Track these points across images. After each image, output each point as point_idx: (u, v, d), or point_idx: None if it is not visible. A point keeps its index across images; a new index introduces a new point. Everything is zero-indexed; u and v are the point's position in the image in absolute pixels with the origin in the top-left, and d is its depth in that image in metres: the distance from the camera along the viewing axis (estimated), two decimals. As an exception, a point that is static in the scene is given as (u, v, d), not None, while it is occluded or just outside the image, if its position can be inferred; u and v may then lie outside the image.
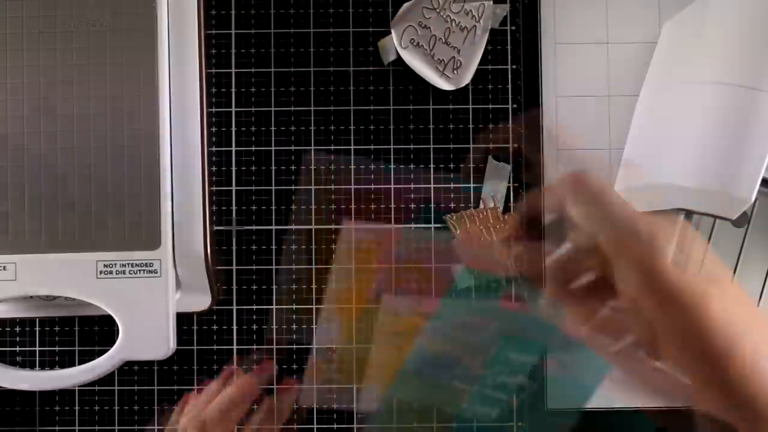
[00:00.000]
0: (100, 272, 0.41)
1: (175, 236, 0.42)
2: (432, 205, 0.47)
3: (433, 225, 0.47)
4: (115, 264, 0.41)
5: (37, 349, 0.47)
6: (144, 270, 0.41)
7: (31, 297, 0.44)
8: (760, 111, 0.36)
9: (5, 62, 0.41)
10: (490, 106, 0.48)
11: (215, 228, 0.47)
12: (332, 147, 0.47)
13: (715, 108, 0.38)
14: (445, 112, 0.48)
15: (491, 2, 0.47)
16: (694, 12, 0.43)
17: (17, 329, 0.47)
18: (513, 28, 0.48)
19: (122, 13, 0.41)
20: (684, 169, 0.38)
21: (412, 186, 0.47)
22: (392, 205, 0.47)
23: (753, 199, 0.36)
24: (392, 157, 0.47)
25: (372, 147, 0.47)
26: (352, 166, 0.47)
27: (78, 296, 0.41)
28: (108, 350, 0.41)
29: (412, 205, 0.47)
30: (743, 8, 0.38)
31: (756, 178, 0.35)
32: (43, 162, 0.41)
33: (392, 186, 0.47)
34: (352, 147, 0.47)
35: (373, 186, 0.47)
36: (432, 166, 0.47)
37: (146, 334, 0.41)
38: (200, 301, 0.45)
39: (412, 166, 0.47)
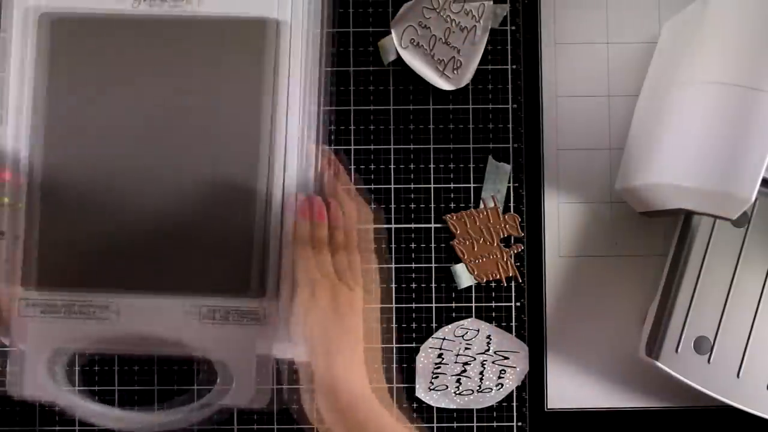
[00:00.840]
0: (203, 317, 0.40)
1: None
2: (432, 205, 0.47)
3: (433, 225, 0.47)
4: (219, 310, 0.41)
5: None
6: (248, 317, 0.41)
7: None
8: (760, 111, 0.36)
9: (110, 97, 0.41)
10: (490, 106, 0.48)
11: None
12: (332, 147, 0.47)
13: (715, 108, 0.38)
14: (445, 112, 0.48)
15: (491, 2, 0.47)
16: (694, 12, 0.43)
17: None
18: (513, 28, 0.48)
19: (234, 51, 0.41)
20: (684, 169, 0.38)
21: (412, 186, 0.47)
22: (392, 206, 0.47)
23: (753, 199, 0.36)
24: (392, 157, 0.47)
25: (372, 147, 0.47)
26: (352, 166, 0.47)
27: (178, 340, 0.40)
28: (188, 390, 0.41)
29: (412, 205, 0.47)
30: (743, 8, 0.38)
31: (756, 178, 0.35)
32: (150, 206, 0.40)
33: (392, 186, 0.47)
34: (352, 147, 0.47)
35: (373, 186, 0.47)
36: (432, 166, 0.47)
37: (245, 380, 0.41)
38: None
39: (412, 166, 0.47)
